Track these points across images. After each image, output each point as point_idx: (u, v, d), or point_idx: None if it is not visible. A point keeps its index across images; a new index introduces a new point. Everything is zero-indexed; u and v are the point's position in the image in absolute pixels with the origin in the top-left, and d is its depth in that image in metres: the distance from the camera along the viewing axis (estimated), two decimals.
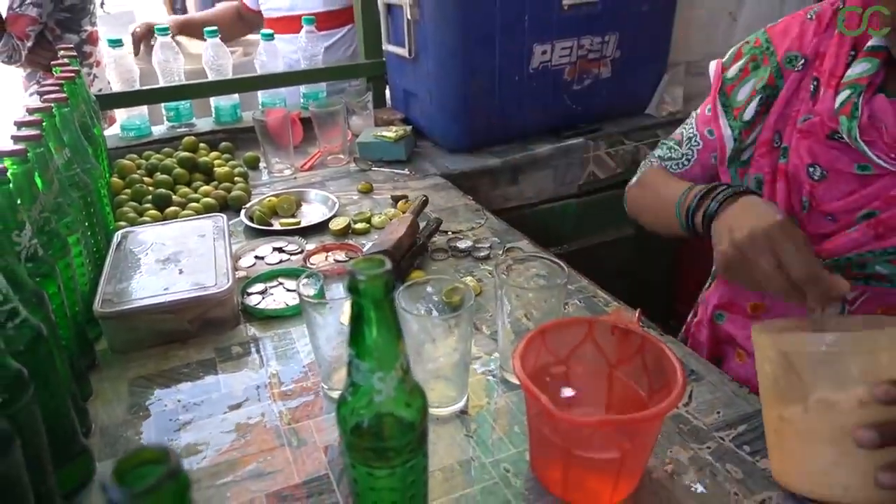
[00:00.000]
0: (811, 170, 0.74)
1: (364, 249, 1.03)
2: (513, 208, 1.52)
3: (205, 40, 1.61)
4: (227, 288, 0.84)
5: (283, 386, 0.76)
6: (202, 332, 0.85)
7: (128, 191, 1.22)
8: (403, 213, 1.17)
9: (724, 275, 0.70)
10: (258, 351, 0.82)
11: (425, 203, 1.11)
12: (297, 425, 0.69)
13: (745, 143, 0.81)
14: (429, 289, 0.74)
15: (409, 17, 1.38)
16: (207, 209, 1.17)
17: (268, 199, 1.21)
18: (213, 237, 0.97)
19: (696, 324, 0.96)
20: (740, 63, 0.82)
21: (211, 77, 1.59)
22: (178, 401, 0.73)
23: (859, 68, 0.70)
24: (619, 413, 0.64)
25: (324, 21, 1.88)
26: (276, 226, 1.14)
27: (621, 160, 1.62)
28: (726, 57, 0.86)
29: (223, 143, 1.48)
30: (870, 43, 0.70)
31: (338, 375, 0.74)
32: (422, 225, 1.07)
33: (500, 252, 1.05)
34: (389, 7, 1.50)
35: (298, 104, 1.73)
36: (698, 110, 0.90)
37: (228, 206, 1.22)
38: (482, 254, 1.04)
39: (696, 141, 0.89)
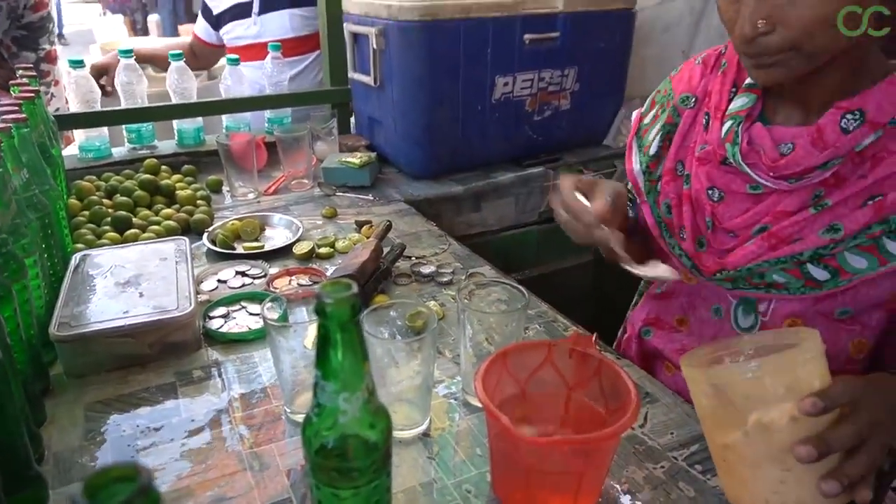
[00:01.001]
0: (710, 192, 0.81)
1: (328, 274, 1.04)
2: (475, 234, 1.55)
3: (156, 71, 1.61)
4: (188, 311, 0.83)
5: (245, 410, 0.75)
6: (162, 355, 0.84)
7: (86, 212, 1.20)
8: (367, 238, 1.19)
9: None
10: (220, 375, 0.81)
11: (389, 228, 1.13)
12: (259, 449, 0.69)
13: (655, 175, 0.88)
14: (392, 313, 0.76)
15: (374, 46, 1.41)
16: (169, 232, 1.16)
17: (231, 222, 1.21)
18: (174, 260, 0.97)
19: (625, 340, 1.01)
20: (654, 111, 0.92)
21: (175, 100, 1.59)
22: (137, 426, 0.72)
23: (739, 102, 0.79)
24: (577, 433, 0.67)
25: (291, 47, 1.90)
26: (239, 250, 1.14)
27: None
28: (644, 107, 0.95)
29: (186, 166, 1.47)
30: (747, 81, 0.79)
31: (300, 399, 0.74)
32: (385, 250, 1.09)
33: (463, 277, 1.07)
34: (355, 36, 1.53)
35: (263, 129, 1.74)
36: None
37: (191, 230, 1.21)
38: (445, 279, 1.06)
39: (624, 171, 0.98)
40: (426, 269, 1.08)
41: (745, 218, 0.77)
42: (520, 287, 0.77)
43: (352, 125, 1.76)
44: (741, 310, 0.83)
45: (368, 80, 1.49)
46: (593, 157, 1.69)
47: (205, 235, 1.17)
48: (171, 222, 1.19)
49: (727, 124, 0.78)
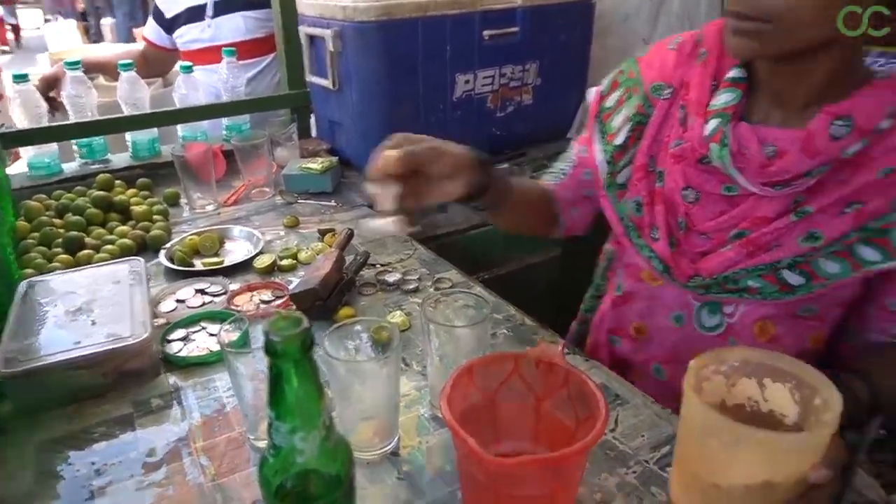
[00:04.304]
0: (686, 192, 0.78)
1: (290, 287, 1.01)
2: (442, 235, 1.53)
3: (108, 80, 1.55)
4: (144, 338, 0.80)
5: (207, 438, 0.73)
6: (119, 385, 0.80)
7: (35, 234, 1.15)
8: (330, 246, 1.16)
9: None
10: (180, 402, 0.79)
11: (351, 236, 1.11)
12: (223, 481, 0.67)
13: (619, 167, 0.85)
14: (357, 327, 0.73)
15: (331, 48, 1.38)
16: (124, 251, 1.12)
17: (189, 237, 1.17)
18: (129, 283, 0.93)
19: (593, 345, 0.98)
20: (616, 94, 0.87)
21: (126, 111, 1.53)
22: (92, 464, 0.69)
23: (724, 98, 0.75)
24: (547, 445, 0.65)
25: (247, 50, 1.86)
26: (199, 266, 1.10)
27: None
28: (604, 85, 0.90)
29: (141, 180, 1.42)
30: (730, 74, 0.76)
31: (264, 425, 0.71)
32: (349, 259, 1.07)
33: (429, 284, 1.05)
34: (311, 38, 1.50)
35: (221, 136, 1.69)
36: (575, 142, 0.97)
37: (147, 247, 1.17)
38: (411, 286, 1.04)
39: (570, 159, 0.96)
40: (391, 278, 1.06)
41: (721, 221, 0.75)
42: (483, 294, 0.75)
43: (312, 128, 1.73)
44: (706, 311, 0.81)
45: (326, 83, 1.45)
46: (558, 151, 1.67)
47: (162, 253, 1.13)
48: (126, 240, 1.15)
49: (713, 122, 0.74)
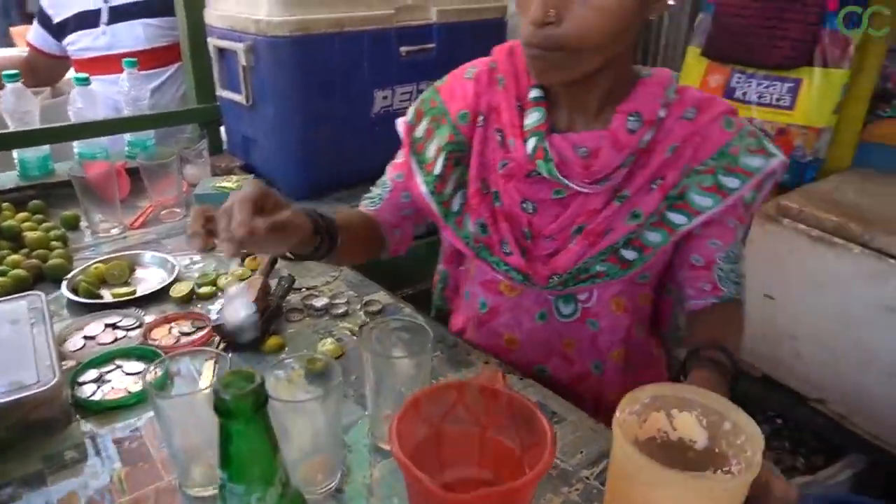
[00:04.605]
0: (524, 205, 0.86)
1: (212, 318, 0.96)
2: None
3: None
4: (53, 384, 0.74)
5: (134, 491, 0.67)
6: (24, 438, 0.73)
7: None
8: (253, 271, 1.12)
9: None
10: (98, 453, 0.73)
11: (275, 261, 1.07)
12: None
13: (445, 196, 0.89)
14: (287, 360, 0.71)
15: (243, 63, 1.33)
16: (18, 284, 1.02)
17: (94, 266, 1.09)
18: (29, 322, 0.85)
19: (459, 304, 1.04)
20: (424, 124, 0.92)
21: (12, 127, 1.40)
22: None
23: (533, 118, 0.83)
24: (492, 469, 0.66)
25: (148, 60, 1.75)
26: (108, 297, 1.03)
27: None
28: (409, 115, 0.95)
29: (33, 202, 1.30)
30: (531, 95, 0.84)
31: (197, 469, 0.68)
32: (273, 284, 1.03)
33: (358, 307, 1.04)
34: (222, 52, 1.44)
35: (123, 152, 1.59)
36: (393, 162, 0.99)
37: (45, 278, 1.07)
38: (340, 311, 1.02)
39: (386, 183, 0.98)
40: (319, 302, 1.03)
41: (560, 222, 0.84)
42: (418, 320, 0.74)
43: (223, 144, 1.65)
44: (561, 302, 0.90)
45: (240, 98, 1.40)
46: None
47: (63, 284, 1.04)
48: (19, 271, 1.05)
49: (532, 141, 0.82)
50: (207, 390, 0.63)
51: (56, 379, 0.74)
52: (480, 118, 0.87)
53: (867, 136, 1.54)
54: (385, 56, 1.43)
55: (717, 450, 0.63)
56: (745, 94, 1.58)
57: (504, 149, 0.86)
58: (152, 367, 0.66)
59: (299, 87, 1.34)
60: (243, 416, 0.38)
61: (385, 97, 1.46)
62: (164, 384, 0.72)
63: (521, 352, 0.94)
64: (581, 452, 0.75)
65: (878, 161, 1.53)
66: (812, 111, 1.49)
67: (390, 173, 0.99)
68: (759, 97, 1.55)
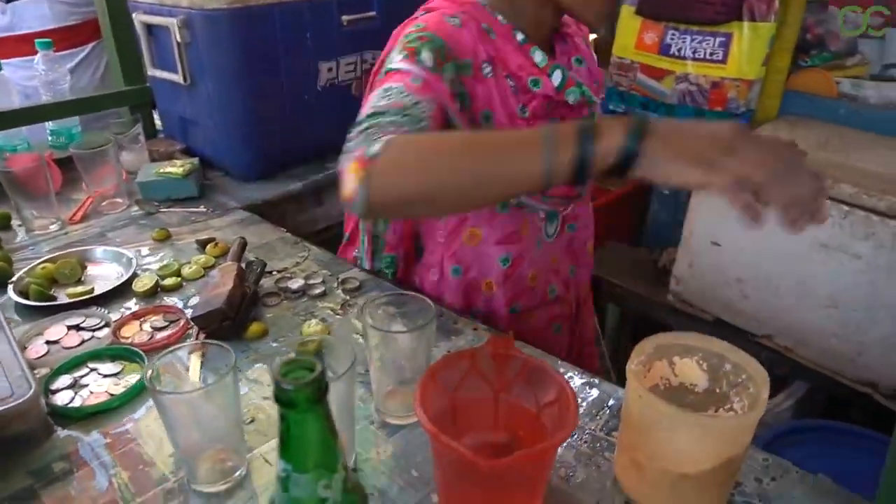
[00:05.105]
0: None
1: (186, 311, 0.92)
2: (322, 231, 1.47)
3: None
4: (31, 395, 0.68)
5: (141, 496, 0.64)
6: (2, 455, 0.68)
7: None
8: (216, 258, 1.07)
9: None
10: (89, 461, 0.68)
11: (245, 246, 1.03)
12: None
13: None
14: (274, 343, 0.68)
15: (178, 39, 1.25)
16: None
17: (41, 266, 1.01)
18: None
19: (435, 283, 0.98)
20: (429, 55, 0.79)
21: None
22: None
23: (539, 56, 0.86)
24: (509, 433, 0.67)
25: (60, 41, 1.61)
26: (62, 298, 0.96)
27: None
28: (430, 61, 0.78)
29: None
30: (519, 38, 0.85)
31: (205, 466, 0.65)
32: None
33: (335, 286, 1.01)
34: (150, 28, 1.34)
35: (46, 142, 1.46)
36: (398, 84, 0.76)
37: None
38: (317, 291, 0.99)
39: (424, 104, 0.76)
40: (294, 284, 1.00)
41: None
42: (422, 297, 0.74)
43: (156, 127, 1.56)
44: (547, 222, 0.96)
45: (176, 77, 1.31)
46: None
47: (9, 288, 0.96)
48: None
49: (557, 74, 0.86)
50: (214, 385, 0.61)
51: (32, 389, 0.69)
52: (487, 68, 0.83)
53: (790, 85, 1.63)
54: (327, 26, 1.38)
55: (717, 390, 0.67)
56: (679, 49, 1.63)
57: (519, 95, 0.85)
58: (151, 365, 0.62)
59: (241, 63, 1.27)
60: (306, 404, 0.37)
61: (330, 69, 1.42)
62: (140, 387, 0.69)
63: (540, 286, 0.99)
64: (583, 403, 0.77)
65: (801, 108, 1.62)
66: (743, 64, 1.55)
67: (418, 94, 0.76)
68: (694, 52, 1.61)
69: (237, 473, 0.66)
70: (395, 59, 0.79)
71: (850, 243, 1.34)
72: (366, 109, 0.75)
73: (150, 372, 0.61)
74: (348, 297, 0.99)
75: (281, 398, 0.37)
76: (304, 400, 0.37)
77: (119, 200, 1.27)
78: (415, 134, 0.71)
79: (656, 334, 0.67)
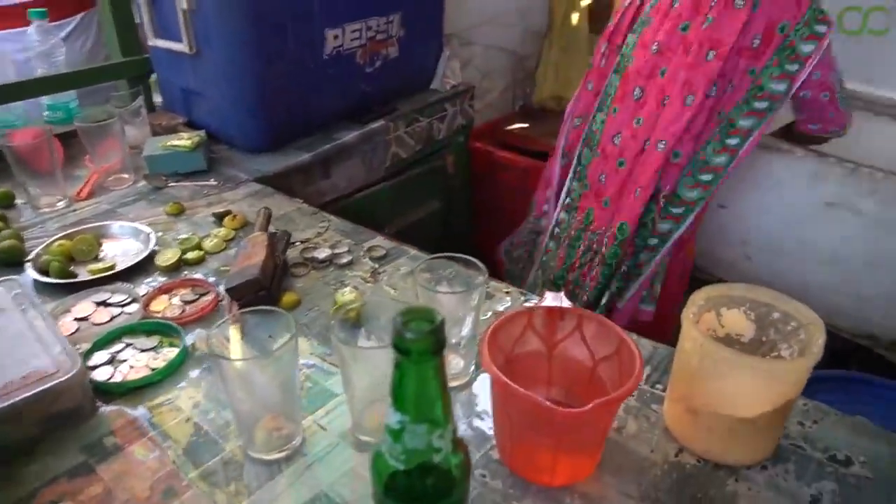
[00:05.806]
0: None
1: (217, 285, 0.90)
2: (329, 202, 1.45)
3: None
4: (76, 372, 0.67)
5: (200, 466, 0.63)
6: (50, 434, 0.66)
7: None
8: (235, 231, 1.05)
9: None
10: (140, 435, 0.67)
11: (270, 216, 1.01)
12: None
13: None
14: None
15: (184, 6, 1.21)
16: None
17: (58, 243, 0.98)
18: (18, 308, 0.76)
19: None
20: None
21: None
22: None
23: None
24: (563, 386, 0.68)
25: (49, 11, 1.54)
26: (84, 275, 0.93)
27: (419, 137, 1.65)
28: None
29: None
30: None
31: (261, 434, 0.65)
32: None
33: (362, 254, 1.00)
34: None
35: (42, 118, 1.41)
36: None
37: None
38: (344, 260, 0.98)
39: None
40: (321, 254, 0.99)
41: None
42: (472, 259, 0.73)
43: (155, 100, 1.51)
44: None
45: (181, 46, 1.27)
46: (426, 104, 1.67)
47: (27, 266, 0.93)
48: None
49: None
50: (278, 352, 0.60)
51: (79, 364, 0.68)
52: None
53: None
54: None
55: (764, 339, 0.68)
56: None
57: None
58: (210, 335, 0.61)
59: (250, 30, 1.23)
60: (427, 355, 0.37)
61: (336, 36, 1.38)
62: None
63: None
64: None
65: None
66: None
67: None
68: None
69: (294, 441, 0.66)
70: None
71: (854, 200, 1.37)
72: None
73: (212, 340, 0.60)
74: (377, 265, 0.98)
75: (400, 347, 0.37)
76: (424, 350, 0.37)
77: (125, 176, 1.24)
78: None
79: (707, 286, 0.68)
